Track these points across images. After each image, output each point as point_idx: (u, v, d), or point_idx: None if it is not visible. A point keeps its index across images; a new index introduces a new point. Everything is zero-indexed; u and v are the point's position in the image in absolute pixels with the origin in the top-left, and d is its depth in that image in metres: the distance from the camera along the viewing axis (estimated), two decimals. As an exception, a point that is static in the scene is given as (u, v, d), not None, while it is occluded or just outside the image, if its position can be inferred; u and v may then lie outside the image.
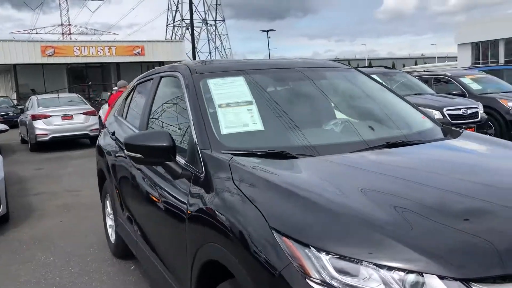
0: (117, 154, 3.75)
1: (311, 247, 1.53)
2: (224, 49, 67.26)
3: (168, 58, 31.85)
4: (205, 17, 64.49)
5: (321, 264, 1.49)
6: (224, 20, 68.82)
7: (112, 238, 4.34)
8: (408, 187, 1.89)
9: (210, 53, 65.84)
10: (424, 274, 1.40)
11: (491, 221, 1.61)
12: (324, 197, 1.75)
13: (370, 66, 17.82)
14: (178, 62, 3.23)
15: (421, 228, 1.55)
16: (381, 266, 1.44)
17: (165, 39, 53.32)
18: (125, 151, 2.60)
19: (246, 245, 1.72)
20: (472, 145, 2.60)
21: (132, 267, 4.08)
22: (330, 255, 1.49)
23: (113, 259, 4.27)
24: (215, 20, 66.78)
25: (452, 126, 3.28)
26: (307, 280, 1.48)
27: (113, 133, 4.01)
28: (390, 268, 1.43)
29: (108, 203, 4.44)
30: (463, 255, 1.45)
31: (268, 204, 1.78)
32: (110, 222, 4.48)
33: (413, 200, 1.74)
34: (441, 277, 1.39)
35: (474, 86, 10.51)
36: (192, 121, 2.52)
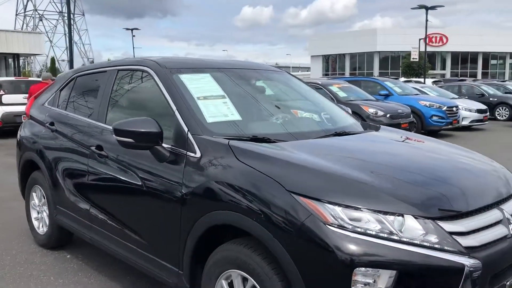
0: (62, 144, 3.81)
1: (325, 202, 2.06)
2: (83, 45, 63.73)
3: (25, 51, 29.37)
4: (62, 9, 60.41)
5: (335, 213, 2.03)
6: (83, 14, 65.26)
7: (41, 229, 4.31)
8: (371, 158, 2.56)
9: (67, 47, 61.76)
10: (404, 215, 2.03)
11: (436, 178, 2.33)
12: (321, 166, 2.30)
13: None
14: (145, 58, 3.46)
15: (396, 184, 2.19)
16: (376, 212, 2.03)
17: (15, 29, 48.74)
18: (114, 136, 2.83)
19: (265, 207, 2.18)
20: (391, 134, 3.39)
21: (68, 256, 4.14)
22: (340, 207, 2.04)
23: (44, 250, 4.26)
24: (73, 14, 62.93)
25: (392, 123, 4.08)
26: (327, 226, 2.01)
27: (51, 124, 4.03)
28: (381, 212, 2.03)
29: (34, 195, 4.39)
30: (428, 201, 2.11)
31: (278, 174, 2.26)
32: (35, 214, 4.44)
33: (381, 166, 2.40)
34: (415, 217, 2.03)
35: (341, 94, 12.02)
36: (176, 111, 2.85)
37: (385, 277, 1.94)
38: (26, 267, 3.90)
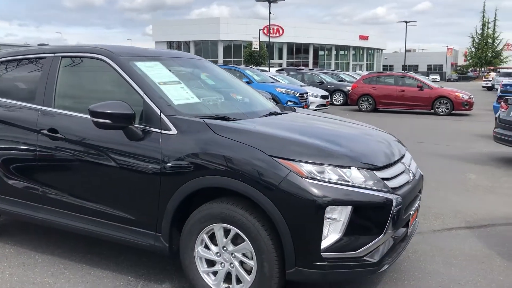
0: None
1: (298, 161, 2.75)
2: None
3: None
4: None
5: (307, 169, 2.73)
6: None
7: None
8: (314, 130, 3.35)
9: None
10: (351, 167, 2.82)
11: (362, 142, 3.21)
12: (287, 136, 2.98)
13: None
14: (95, 46, 3.66)
15: (340, 146, 2.98)
16: (334, 166, 2.79)
17: None
18: (91, 117, 3.10)
19: (250, 169, 2.77)
20: (307, 114, 4.21)
21: (8, 244, 4.11)
22: (310, 164, 2.75)
23: (-34, 240, 4.15)
24: None
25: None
26: (303, 178, 2.70)
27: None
28: (338, 166, 2.79)
29: None
30: (363, 158, 2.94)
31: (256, 143, 2.86)
32: None
33: (323, 135, 3.18)
34: (358, 169, 2.84)
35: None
36: (145, 95, 3.23)
37: (345, 212, 2.72)
38: (-43, 256, 3.82)
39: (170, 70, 3.65)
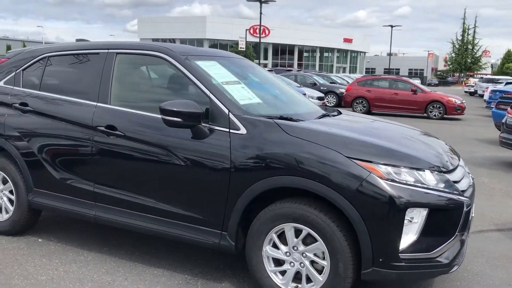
0: (46, 125, 3.76)
1: (378, 163, 2.80)
2: None
3: None
4: None
5: (387, 171, 2.78)
6: None
7: (5, 215, 4.10)
8: (374, 131, 3.41)
9: None
10: (425, 170, 2.89)
11: (429, 146, 3.27)
12: (359, 138, 3.03)
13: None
14: (154, 44, 3.65)
15: (412, 149, 3.04)
16: (410, 168, 2.84)
17: None
18: (162, 115, 3.10)
19: (327, 170, 2.81)
20: (356, 116, 4.26)
21: (40, 240, 4.07)
22: (388, 166, 2.80)
23: (5, 238, 4.07)
24: None
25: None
26: (384, 180, 2.75)
27: (23, 104, 3.89)
28: (414, 169, 2.85)
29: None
30: (435, 161, 3.01)
31: (332, 144, 2.90)
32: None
33: (389, 137, 3.24)
34: (430, 171, 2.91)
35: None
36: (211, 94, 3.24)
37: (421, 214, 2.78)
38: (4, 254, 3.74)
39: (227, 70, 3.66)
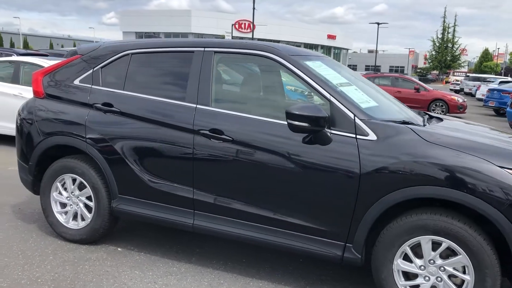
0: (135, 128, 3.50)
1: None
2: None
3: None
4: None
5: None
6: None
7: (74, 223, 3.84)
8: (500, 137, 3.26)
9: None
10: None
11: None
12: (499, 145, 2.90)
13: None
14: (258, 43, 3.42)
15: None
16: None
17: None
18: (288, 120, 2.90)
19: (478, 180, 2.65)
20: (462, 121, 4.09)
21: (120, 249, 3.81)
22: None
23: (83, 247, 3.79)
24: None
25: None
26: None
27: (107, 104, 3.62)
28: None
29: (59, 185, 3.86)
30: None
31: (477, 153, 2.75)
32: (58, 207, 3.91)
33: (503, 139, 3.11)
34: None
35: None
36: (332, 98, 3.05)
37: None
38: (90, 265, 3.49)
39: (335, 70, 3.47)
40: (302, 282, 3.39)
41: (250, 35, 62.83)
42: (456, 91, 40.61)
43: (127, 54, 3.74)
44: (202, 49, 3.49)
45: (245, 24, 61.08)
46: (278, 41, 69.71)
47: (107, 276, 3.33)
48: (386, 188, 2.85)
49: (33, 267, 3.41)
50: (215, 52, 3.46)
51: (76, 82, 3.84)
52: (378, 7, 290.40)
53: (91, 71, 3.82)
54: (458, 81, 44.09)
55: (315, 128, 2.93)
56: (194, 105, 3.38)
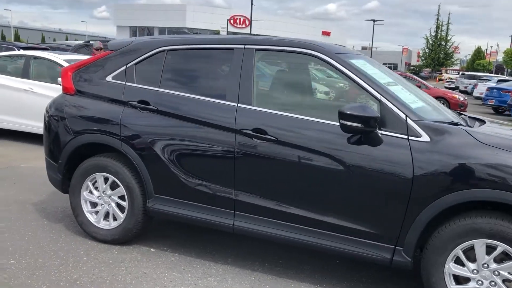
0: (173, 126, 3.42)
1: None
2: None
3: None
4: None
5: None
6: None
7: (105, 223, 3.76)
8: None
9: None
10: None
11: None
12: None
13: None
14: (303, 40, 3.35)
15: None
16: None
17: None
18: (341, 121, 2.83)
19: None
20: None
21: (153, 250, 3.74)
22: None
23: (115, 247, 3.71)
24: None
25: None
26: None
27: (143, 102, 3.53)
28: None
29: (90, 184, 3.77)
30: None
31: None
32: (89, 207, 3.82)
33: None
34: None
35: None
36: (382, 98, 2.99)
37: None
38: (126, 267, 3.41)
39: (378, 70, 3.41)
40: (344, 284, 3.34)
41: (245, 31, 62.71)
42: (451, 89, 40.94)
43: (163, 51, 3.64)
44: (242, 46, 3.41)
45: (240, 19, 60.90)
46: (273, 37, 69.53)
47: (146, 278, 3.26)
48: (440, 190, 2.80)
49: (69, 268, 3.33)
50: (256, 49, 3.38)
51: (109, 78, 3.75)
52: (371, 4, 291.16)
53: (124, 67, 3.72)
54: (451, 78, 44.31)
55: (367, 129, 2.87)
56: (235, 104, 3.30)
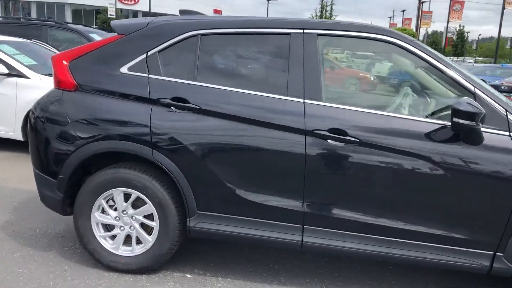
0: (224, 129, 2.82)
1: None
2: None
3: None
4: None
5: None
6: None
7: (125, 248, 3.06)
8: None
9: None
10: None
11: None
12: None
13: None
14: (377, 26, 2.88)
15: None
16: None
17: None
18: (454, 118, 2.49)
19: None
20: None
21: (189, 276, 3.12)
22: None
23: (142, 277, 3.03)
24: None
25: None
26: None
27: (179, 100, 2.86)
28: None
29: (104, 203, 3.02)
30: None
31: None
32: (103, 231, 3.08)
33: None
34: None
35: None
36: (478, 89, 2.70)
37: None
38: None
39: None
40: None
41: (134, 8, 59.62)
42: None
43: (195, 35, 2.97)
44: (301, 30, 2.89)
45: (129, -5, 57.53)
46: (164, 14, 66.81)
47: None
48: (546, 190, 2.61)
49: (103, 315, 2.62)
50: (319, 34, 2.88)
51: (124, 70, 2.98)
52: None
53: (143, 55, 2.98)
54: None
55: (477, 127, 2.57)
56: (301, 100, 2.79)
